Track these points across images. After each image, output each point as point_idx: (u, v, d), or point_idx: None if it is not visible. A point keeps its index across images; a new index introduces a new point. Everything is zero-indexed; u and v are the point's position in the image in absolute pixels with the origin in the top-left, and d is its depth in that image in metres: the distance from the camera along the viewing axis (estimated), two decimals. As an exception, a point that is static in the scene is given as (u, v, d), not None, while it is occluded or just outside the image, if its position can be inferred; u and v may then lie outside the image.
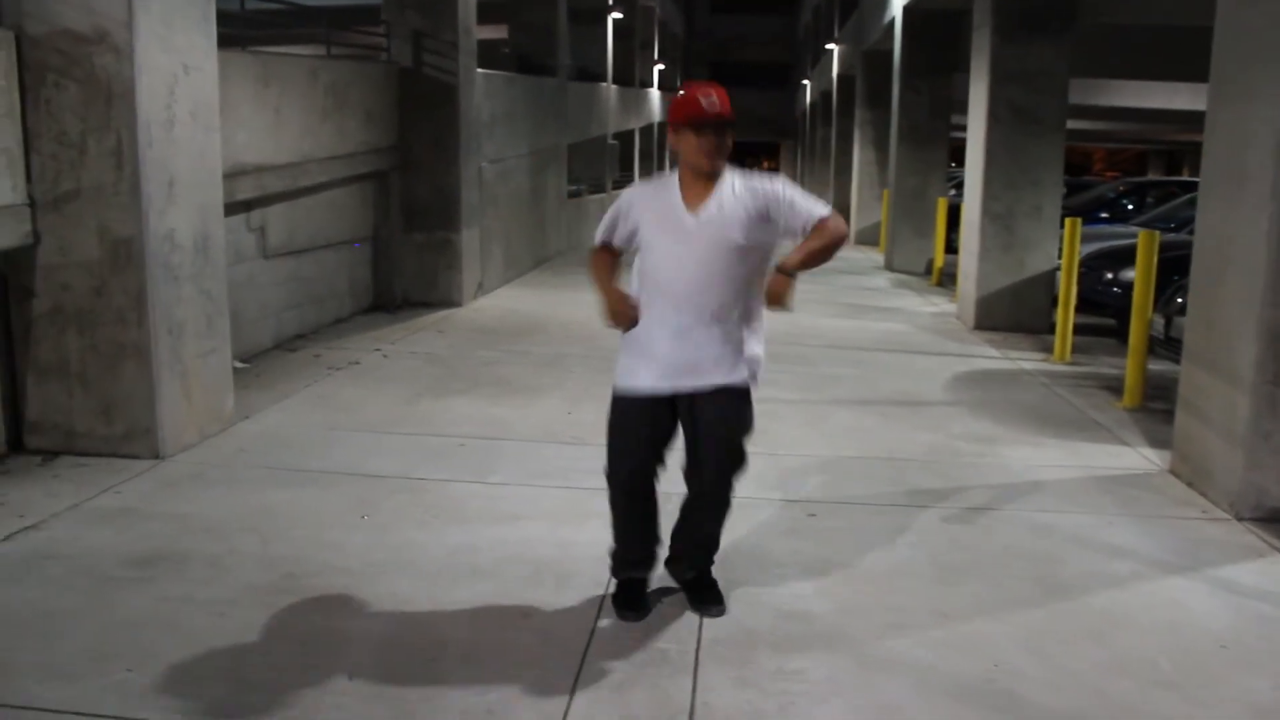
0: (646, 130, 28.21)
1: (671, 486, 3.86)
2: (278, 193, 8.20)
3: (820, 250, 3.52)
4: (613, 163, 22.20)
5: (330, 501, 4.86)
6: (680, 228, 3.55)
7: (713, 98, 3.49)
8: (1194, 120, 23.93)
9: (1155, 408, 6.94)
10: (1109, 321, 10.01)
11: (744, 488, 4.40)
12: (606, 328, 3.78)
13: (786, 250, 3.56)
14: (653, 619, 3.69)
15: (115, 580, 3.94)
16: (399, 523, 4.62)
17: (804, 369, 7.98)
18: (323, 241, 9.30)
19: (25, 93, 5.30)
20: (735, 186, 3.57)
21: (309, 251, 9.04)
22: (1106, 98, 20.17)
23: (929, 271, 14.96)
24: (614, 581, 3.87)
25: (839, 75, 25.16)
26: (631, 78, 25.25)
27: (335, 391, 7.02)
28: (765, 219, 3.53)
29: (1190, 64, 14.83)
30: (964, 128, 11.51)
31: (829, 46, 27.11)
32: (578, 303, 11.45)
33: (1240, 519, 4.87)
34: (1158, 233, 7.29)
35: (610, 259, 3.78)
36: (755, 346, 3.67)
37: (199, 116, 5.79)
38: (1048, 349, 9.09)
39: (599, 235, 3.79)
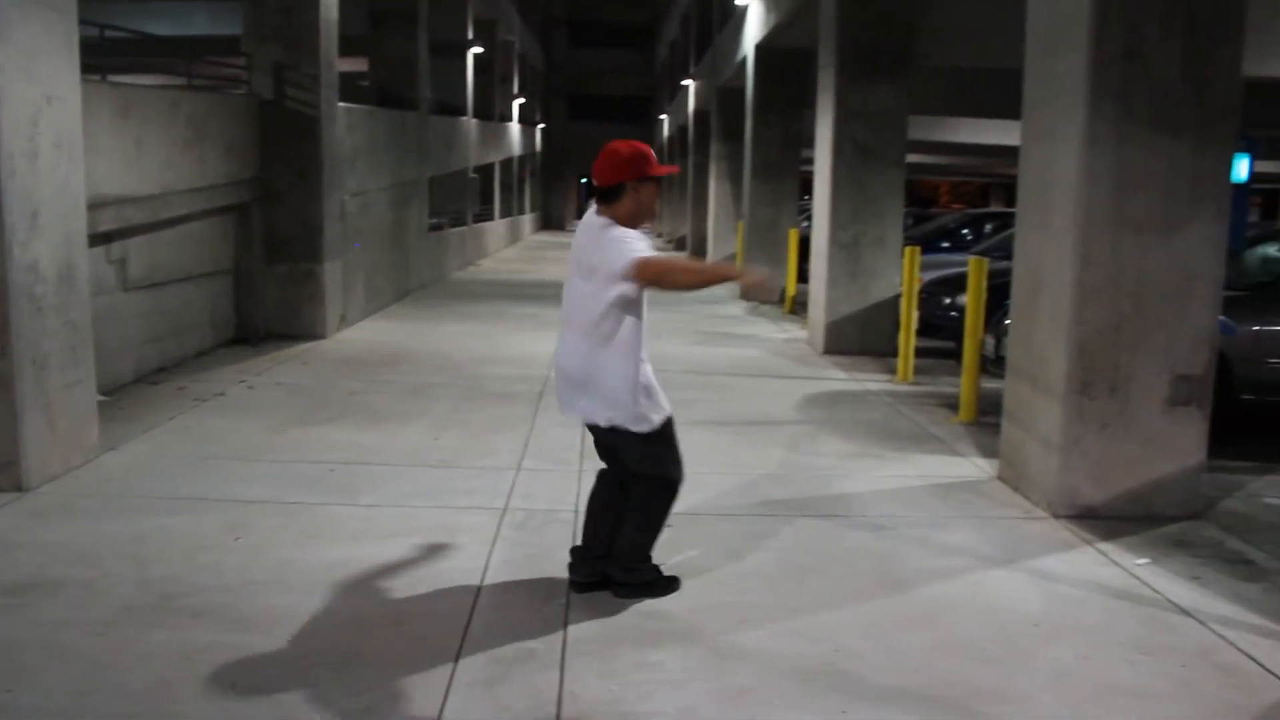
0: (506, 163, 28.47)
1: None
2: (139, 225, 8.18)
3: (693, 271, 4.30)
4: (473, 196, 22.39)
5: (203, 526, 4.95)
6: None
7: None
8: (1027, 156, 25.33)
9: (987, 421, 7.49)
10: (948, 344, 10.65)
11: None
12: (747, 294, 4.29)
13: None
14: (521, 620, 3.93)
15: (-13, 607, 3.98)
16: (273, 544, 4.74)
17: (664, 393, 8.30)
18: (183, 274, 9.27)
19: (-118, 124, 5.27)
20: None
21: (170, 284, 9.00)
22: (946, 134, 21.27)
23: (782, 300, 15.54)
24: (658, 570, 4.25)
25: (695, 110, 25.89)
26: (492, 111, 25.51)
27: (202, 423, 7.05)
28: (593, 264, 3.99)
29: (1018, 104, 15.89)
30: (813, 161, 12.09)
31: (685, 82, 27.84)
32: (441, 334, 11.63)
33: (1056, 516, 5.36)
34: (986, 260, 7.89)
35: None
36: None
37: (63, 147, 5.82)
38: (892, 371, 9.65)
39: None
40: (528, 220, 34.87)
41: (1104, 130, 5.24)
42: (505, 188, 27.95)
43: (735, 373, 9.66)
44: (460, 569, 4.43)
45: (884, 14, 10.57)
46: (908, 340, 9.21)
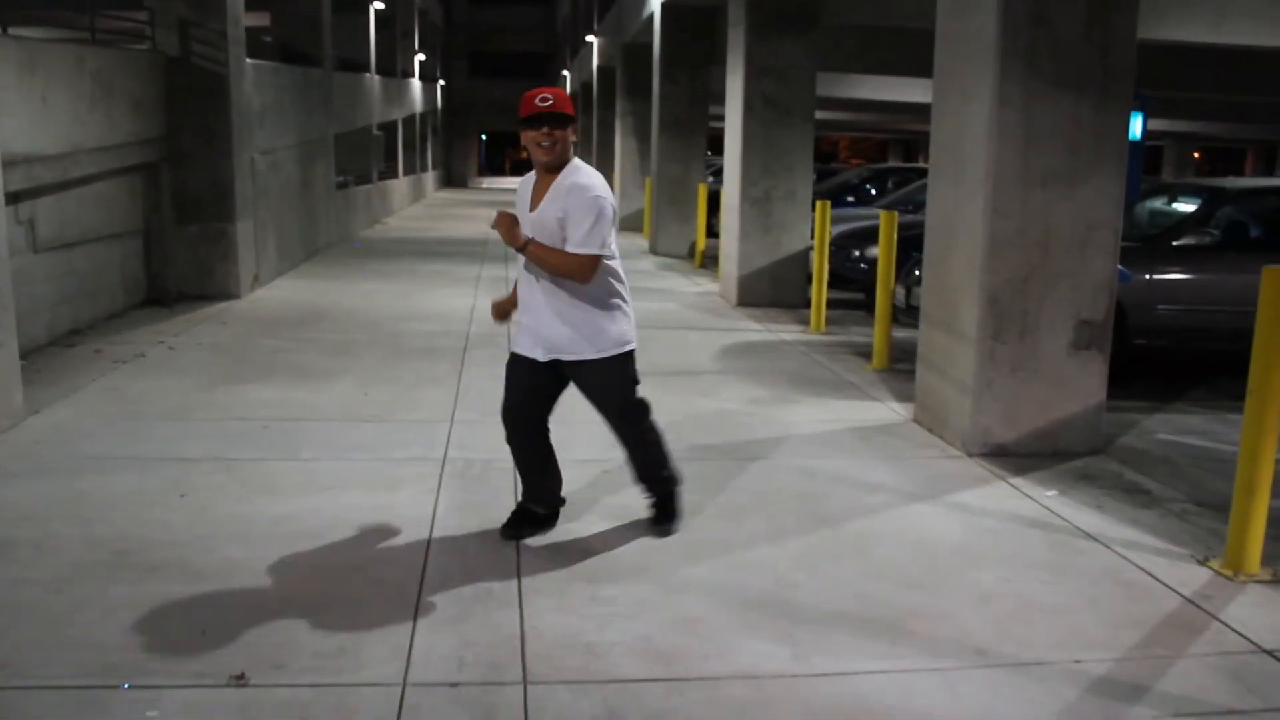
0: (409, 121, 28.11)
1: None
2: (48, 184, 8.01)
3: (554, 267, 4.07)
4: (378, 154, 22.12)
5: (145, 484, 4.98)
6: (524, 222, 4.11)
7: (546, 95, 4.00)
8: (927, 112, 25.89)
9: (900, 368, 7.82)
10: (857, 295, 10.99)
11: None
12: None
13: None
14: (474, 563, 4.09)
15: (-63, 568, 3.99)
16: (219, 499, 4.80)
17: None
18: (93, 235, 9.10)
19: None
20: (563, 186, 4.06)
21: (80, 245, 8.83)
22: (849, 90, 21.63)
23: (692, 254, 15.77)
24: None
25: (599, 67, 25.84)
26: (394, 68, 25.15)
27: (126, 384, 7.00)
28: (563, 227, 4.05)
29: (922, 61, 16.25)
30: (721, 118, 12.27)
31: (589, 39, 27.75)
32: (357, 292, 11.60)
33: (970, 455, 5.69)
34: (896, 213, 8.19)
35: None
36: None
37: (-24, 106, 5.72)
38: (804, 322, 9.95)
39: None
40: (430, 178, 34.51)
41: (1013, 89, 5.51)
42: (408, 145, 27.62)
43: (653, 325, 9.83)
44: (409, 517, 4.56)
45: (793, -28, 10.76)
46: (820, 291, 9.50)
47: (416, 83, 29.40)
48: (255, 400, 6.64)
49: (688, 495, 4.96)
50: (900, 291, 8.50)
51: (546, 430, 4.42)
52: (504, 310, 4.43)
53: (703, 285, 12.93)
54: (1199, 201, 8.36)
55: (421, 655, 3.34)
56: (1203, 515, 4.87)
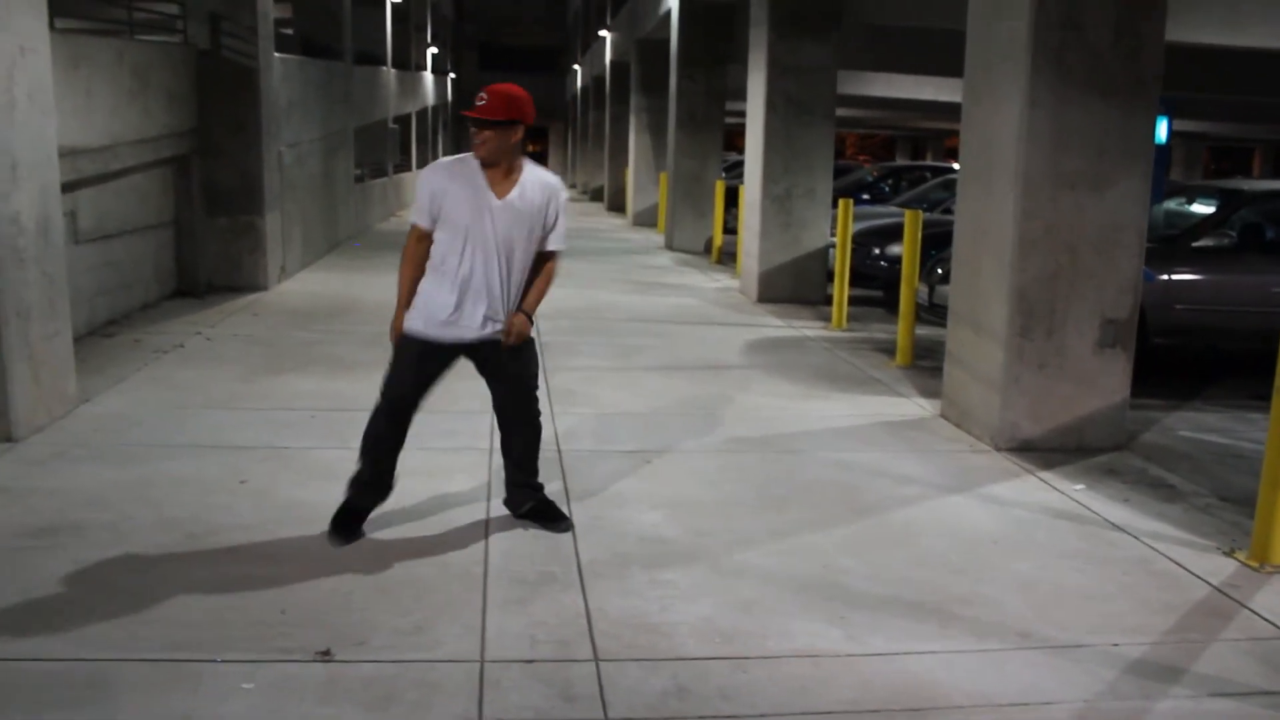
0: (421, 114, 28.24)
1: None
2: (90, 176, 8.18)
3: (546, 291, 4.37)
4: (393, 147, 22.28)
5: (205, 471, 5.16)
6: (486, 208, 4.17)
7: (483, 95, 4.14)
8: (936, 110, 26.04)
9: (923, 365, 7.99)
10: (876, 293, 11.16)
11: (585, 441, 4.97)
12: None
13: None
14: (533, 548, 4.27)
15: (20, 549, 4.16)
16: (278, 485, 4.98)
17: (610, 340, 8.67)
18: (130, 226, 9.28)
19: None
20: (537, 182, 4.24)
21: (117, 236, 9.01)
22: (860, 88, 21.75)
23: (708, 250, 15.93)
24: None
25: (612, 62, 25.97)
26: (408, 61, 25.29)
27: (169, 374, 7.18)
28: (543, 220, 4.25)
29: (934, 60, 16.43)
30: (735, 114, 12.42)
31: (602, 34, 27.87)
32: (382, 285, 11.71)
33: (999, 449, 5.86)
34: (921, 212, 8.35)
35: (425, 251, 4.30)
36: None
37: (36, 99, 5.87)
38: (825, 318, 10.12)
39: (421, 221, 4.25)
40: (441, 171, 34.60)
41: (1043, 93, 5.67)
42: (420, 139, 27.76)
43: (676, 320, 10.02)
44: (464, 504, 4.75)
45: (815, -28, 10.92)
46: (842, 288, 9.67)
47: (429, 75, 29.53)
48: (297, 390, 6.82)
49: (730, 485, 5.15)
50: (923, 289, 8.66)
51: None
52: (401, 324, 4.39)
53: (721, 281, 13.09)
54: (1217, 203, 8.52)
55: (495, 633, 3.52)
56: (1226, 509, 5.05)
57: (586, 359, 8.00)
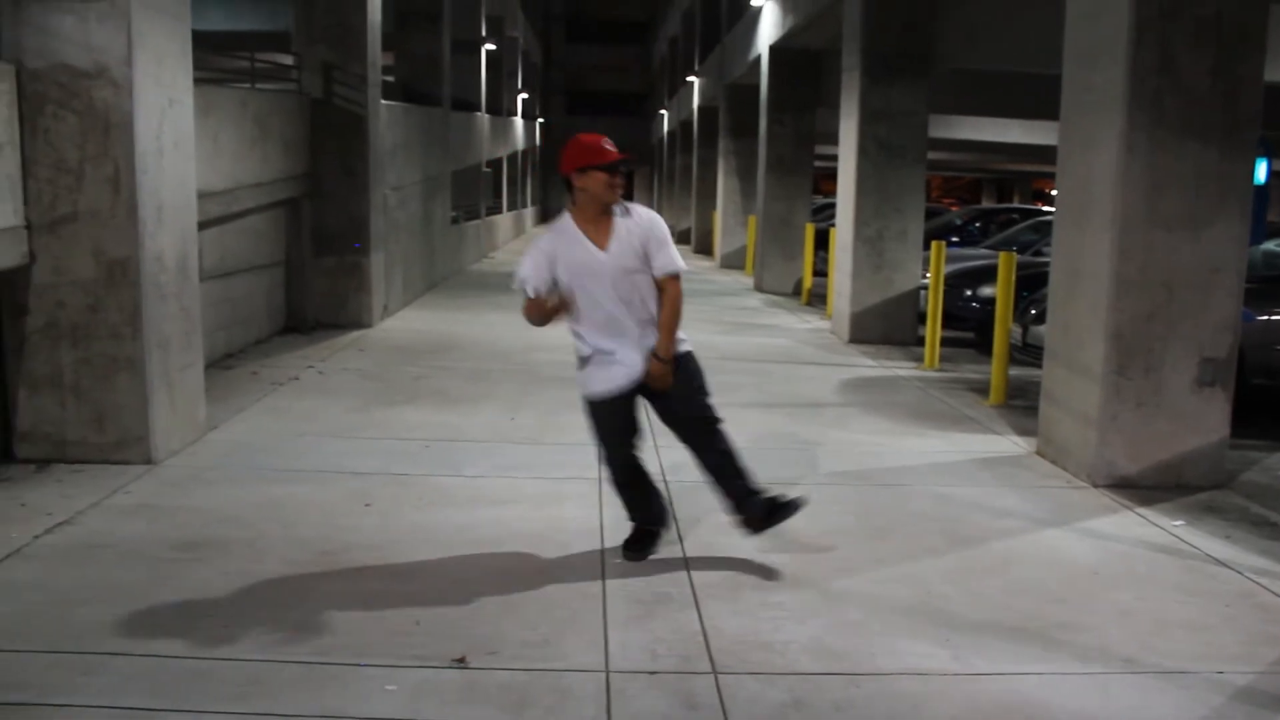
0: (511, 158, 28.94)
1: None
2: (214, 217, 8.66)
3: (675, 323, 4.50)
4: (487, 190, 22.87)
5: (329, 494, 5.47)
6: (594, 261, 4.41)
7: (610, 143, 4.41)
8: (1023, 153, 25.91)
9: (1017, 404, 8.06)
10: (967, 335, 11.23)
11: (692, 474, 5.20)
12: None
13: None
14: (647, 569, 4.48)
15: (169, 560, 4.49)
16: (399, 509, 5.27)
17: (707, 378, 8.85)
18: (246, 265, 9.77)
19: (23, 122, 5.73)
20: (633, 221, 4.48)
21: (235, 274, 9.49)
22: (947, 131, 21.80)
23: (797, 292, 16.09)
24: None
25: (700, 106, 26.38)
26: (500, 106, 25.97)
27: (288, 404, 7.56)
28: (645, 256, 4.45)
29: (1021, 103, 16.47)
30: (824, 157, 12.59)
31: (689, 79, 28.32)
32: (481, 322, 12.15)
33: (1096, 486, 5.93)
34: (1014, 254, 8.45)
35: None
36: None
37: (181, 146, 6.32)
38: (917, 359, 10.22)
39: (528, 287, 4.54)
40: (529, 213, 35.38)
41: (1139, 137, 5.79)
42: (510, 182, 28.44)
43: (770, 359, 10.21)
44: (578, 529, 4.97)
45: (907, 20, 11.13)
46: (934, 329, 9.77)
47: (519, 120, 30.28)
48: (409, 422, 7.14)
49: (834, 517, 5.30)
50: (1016, 330, 8.74)
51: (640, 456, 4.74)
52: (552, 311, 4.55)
53: (812, 322, 13.25)
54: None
55: (617, 647, 3.73)
56: (1330, 548, 5.07)
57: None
